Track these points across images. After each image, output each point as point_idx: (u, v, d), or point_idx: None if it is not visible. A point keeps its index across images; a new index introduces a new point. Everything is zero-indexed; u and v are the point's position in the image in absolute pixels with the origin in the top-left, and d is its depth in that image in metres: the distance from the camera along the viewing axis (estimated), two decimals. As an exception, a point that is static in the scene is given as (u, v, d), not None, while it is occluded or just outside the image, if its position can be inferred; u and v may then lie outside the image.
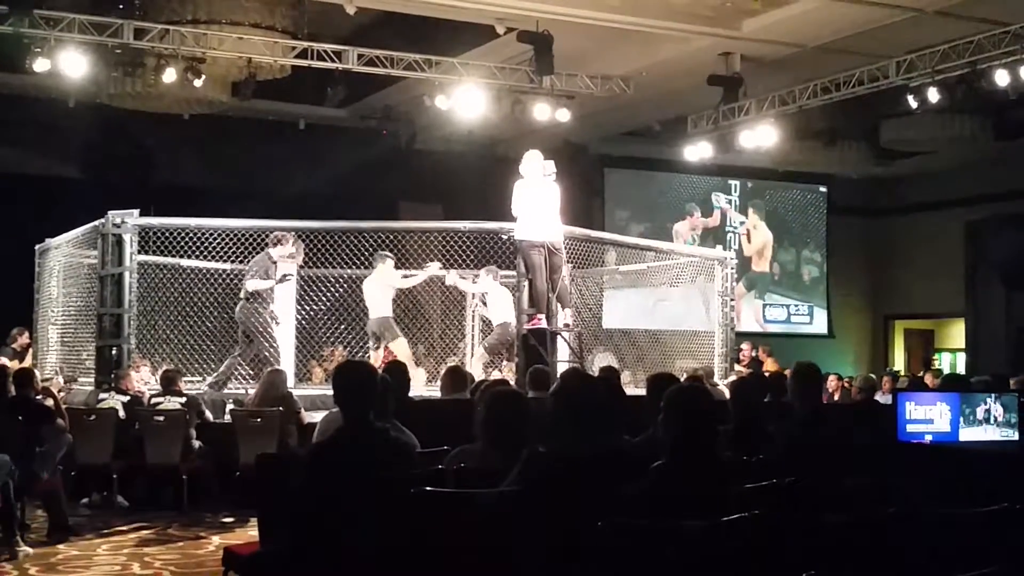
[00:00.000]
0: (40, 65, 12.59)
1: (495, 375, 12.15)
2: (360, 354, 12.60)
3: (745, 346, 15.13)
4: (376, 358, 12.25)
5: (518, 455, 4.33)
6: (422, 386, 11.72)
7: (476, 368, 12.24)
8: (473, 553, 4.01)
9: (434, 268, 12.53)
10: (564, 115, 15.04)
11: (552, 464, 4.26)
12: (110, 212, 11.26)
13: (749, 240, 21.74)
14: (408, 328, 13.29)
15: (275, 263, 11.65)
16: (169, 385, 10.37)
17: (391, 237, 12.30)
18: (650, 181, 20.93)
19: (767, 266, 21.91)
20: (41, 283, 13.57)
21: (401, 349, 12.16)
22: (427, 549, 4.06)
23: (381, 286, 12.31)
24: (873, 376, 14.14)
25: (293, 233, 11.78)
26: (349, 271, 12.50)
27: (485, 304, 12.80)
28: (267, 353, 11.43)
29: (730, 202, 21.66)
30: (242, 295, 11.60)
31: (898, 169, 20.44)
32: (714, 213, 21.28)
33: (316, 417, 8.20)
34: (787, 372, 10.20)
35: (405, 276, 12.62)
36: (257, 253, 11.87)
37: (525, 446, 4.46)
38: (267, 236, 11.85)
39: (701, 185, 21.22)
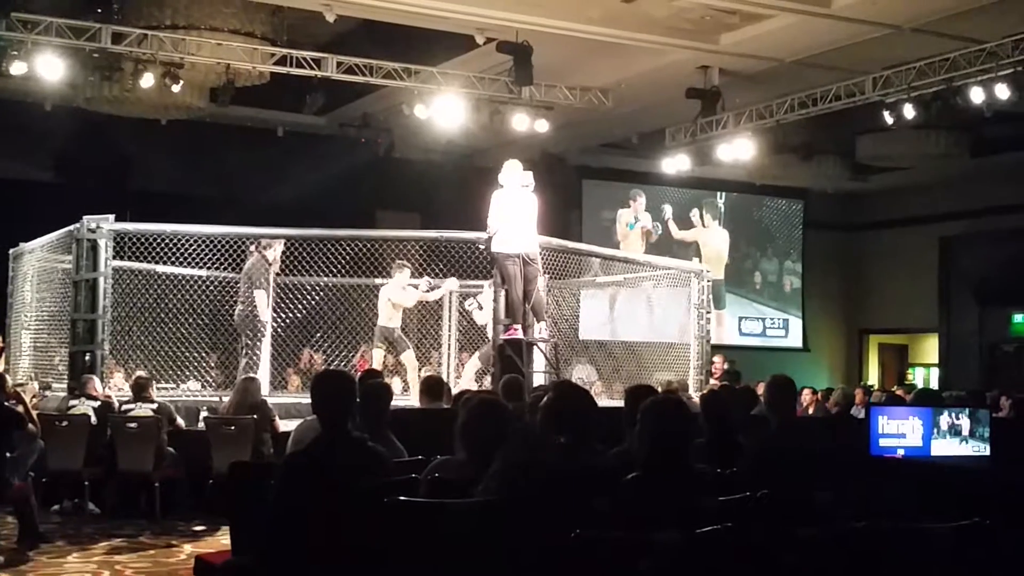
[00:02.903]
0: (16, 68, 12.51)
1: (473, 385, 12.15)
2: (336, 362, 12.58)
3: (717, 359, 15.15)
4: (377, 357, 12.25)
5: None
6: (396, 395, 11.70)
7: (466, 379, 12.30)
8: (446, 564, 4.00)
9: (452, 284, 12.59)
10: (543, 126, 15.07)
11: (528, 475, 4.27)
12: (85, 217, 11.20)
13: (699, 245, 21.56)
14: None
15: (271, 265, 11.67)
16: (140, 392, 10.29)
17: (368, 246, 12.26)
18: (628, 193, 20.95)
19: (721, 272, 21.72)
20: (14, 288, 13.47)
21: (408, 360, 12.36)
22: (400, 559, 4.05)
23: (384, 297, 12.32)
24: (851, 391, 14.18)
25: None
26: (325, 279, 12.47)
27: (479, 308, 12.76)
28: (248, 360, 11.42)
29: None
30: (241, 300, 11.58)
31: (873, 184, 20.59)
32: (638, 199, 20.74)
33: (291, 425, 8.18)
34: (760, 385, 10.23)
35: (429, 287, 12.62)
36: (233, 260, 11.84)
37: (503, 457, 4.46)
38: (244, 243, 11.82)
39: (678, 197, 21.29)
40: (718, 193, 21.49)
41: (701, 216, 21.39)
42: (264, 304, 11.51)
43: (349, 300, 12.80)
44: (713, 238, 21.54)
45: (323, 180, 17.15)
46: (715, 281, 20.88)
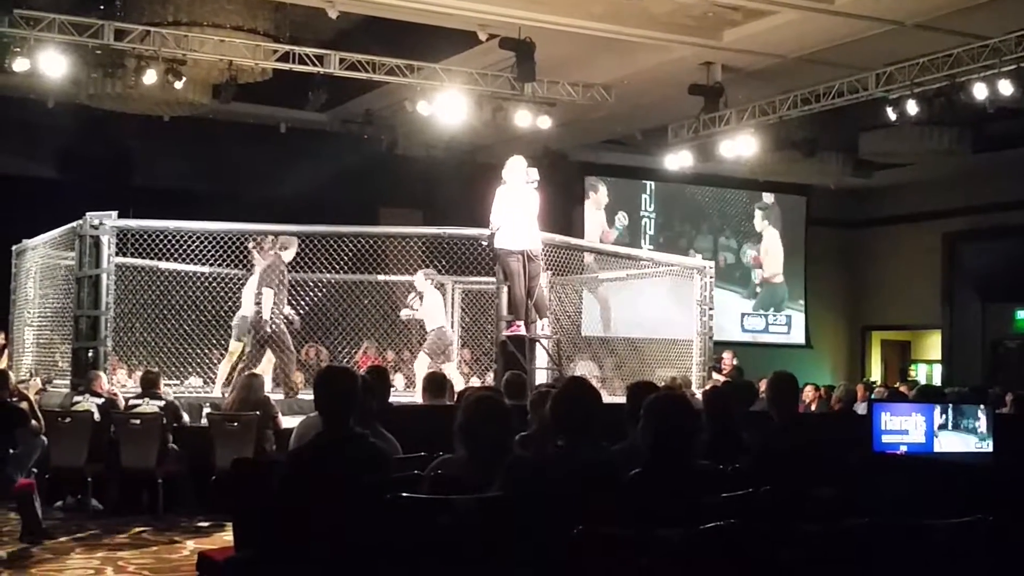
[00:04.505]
0: (19, 65, 12.52)
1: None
2: (339, 358, 12.59)
3: (726, 355, 15.16)
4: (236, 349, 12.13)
5: (498, 463, 4.33)
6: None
7: (419, 374, 12.30)
8: (448, 560, 4.01)
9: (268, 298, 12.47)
10: (545, 122, 15.05)
11: (533, 472, 4.27)
12: (88, 213, 11.21)
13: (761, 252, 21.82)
14: (386, 334, 13.31)
15: (286, 266, 11.67)
16: (149, 387, 10.29)
17: (371, 242, 12.27)
18: (631, 189, 21.00)
19: (782, 277, 21.92)
20: (17, 284, 13.48)
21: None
22: (403, 556, 4.05)
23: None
24: (853, 388, 14.17)
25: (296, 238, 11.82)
26: (328, 275, 12.47)
27: (418, 307, 12.78)
28: (283, 358, 11.44)
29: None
30: (255, 301, 11.53)
31: (876, 180, 20.57)
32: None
33: (293, 422, 8.18)
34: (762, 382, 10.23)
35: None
36: (236, 256, 11.84)
37: (505, 454, 4.46)
38: (246, 239, 11.82)
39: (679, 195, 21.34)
40: (763, 194, 21.64)
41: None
42: (270, 304, 11.43)
43: (352, 296, 12.81)
44: (773, 242, 21.69)
45: (326, 177, 17.15)
46: (776, 285, 21.17)
